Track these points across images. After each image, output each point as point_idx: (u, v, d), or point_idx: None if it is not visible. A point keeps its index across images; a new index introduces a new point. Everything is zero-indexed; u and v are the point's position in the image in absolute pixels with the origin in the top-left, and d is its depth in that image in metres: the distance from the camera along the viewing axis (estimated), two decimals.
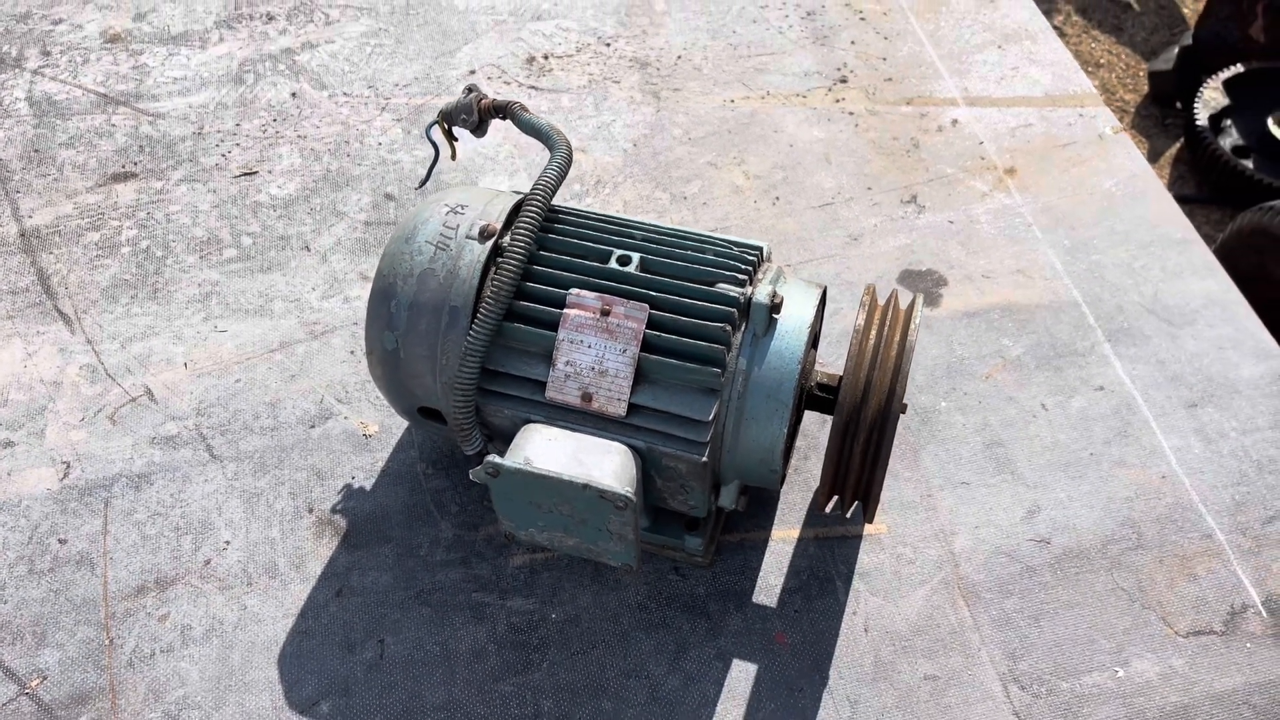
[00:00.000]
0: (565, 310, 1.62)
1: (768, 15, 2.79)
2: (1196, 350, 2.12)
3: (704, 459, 1.59)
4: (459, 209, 1.73)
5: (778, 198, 2.40)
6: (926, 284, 2.24)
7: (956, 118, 2.54)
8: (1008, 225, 2.33)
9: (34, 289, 2.30)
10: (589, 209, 1.79)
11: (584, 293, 1.62)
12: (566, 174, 1.71)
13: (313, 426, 2.07)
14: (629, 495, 1.54)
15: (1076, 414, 2.04)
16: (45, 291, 2.30)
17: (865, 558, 1.88)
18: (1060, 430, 2.02)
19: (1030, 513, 1.92)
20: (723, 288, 1.63)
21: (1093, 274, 2.24)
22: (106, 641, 1.82)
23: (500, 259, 1.63)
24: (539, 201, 1.64)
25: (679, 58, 2.71)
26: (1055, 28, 4.94)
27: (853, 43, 2.72)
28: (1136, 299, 2.20)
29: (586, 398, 1.62)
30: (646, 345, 1.61)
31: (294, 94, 2.67)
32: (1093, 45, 4.87)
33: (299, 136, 2.58)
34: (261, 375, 2.15)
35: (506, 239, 1.66)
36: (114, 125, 2.62)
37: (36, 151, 2.57)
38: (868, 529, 1.91)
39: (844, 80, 2.63)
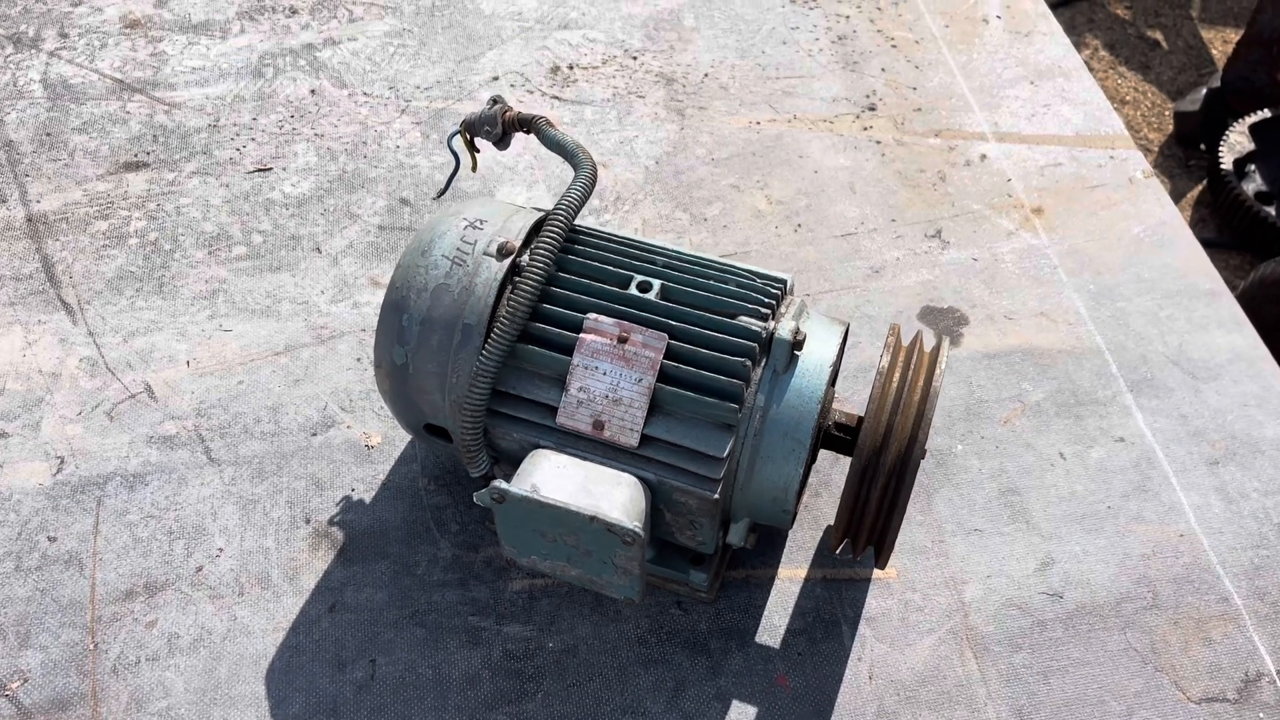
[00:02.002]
0: (581, 335, 1.57)
1: (798, 37, 2.75)
2: (1220, 406, 2.07)
3: (715, 496, 1.55)
4: (478, 224, 1.69)
5: (799, 224, 2.36)
6: (948, 322, 2.19)
7: (985, 153, 2.50)
8: (1032, 266, 2.29)
9: (38, 276, 2.26)
10: (608, 229, 1.74)
11: (602, 318, 1.58)
12: (590, 194, 1.67)
13: (314, 434, 2.02)
14: (637, 530, 1.49)
15: (1095, 465, 1.99)
16: (49, 279, 2.26)
17: (873, 602, 1.83)
18: (1078, 481, 1.97)
19: (1044, 565, 1.87)
20: (744, 320, 1.58)
21: (1117, 321, 2.20)
22: (91, 646, 1.77)
23: (518, 278, 1.59)
24: (560, 221, 1.60)
25: (706, 75, 2.66)
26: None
27: (883, 70, 2.67)
28: (1161, 349, 2.15)
29: (598, 426, 1.57)
30: (663, 376, 1.56)
31: (313, 91, 2.62)
32: (1119, 82, 4.84)
33: (316, 134, 2.53)
34: (265, 378, 2.10)
35: (525, 258, 1.62)
36: (128, 113, 2.57)
37: (49, 135, 2.52)
38: (876, 573, 1.86)
39: (872, 108, 2.59)
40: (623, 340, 1.56)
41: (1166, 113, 4.63)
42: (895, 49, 2.73)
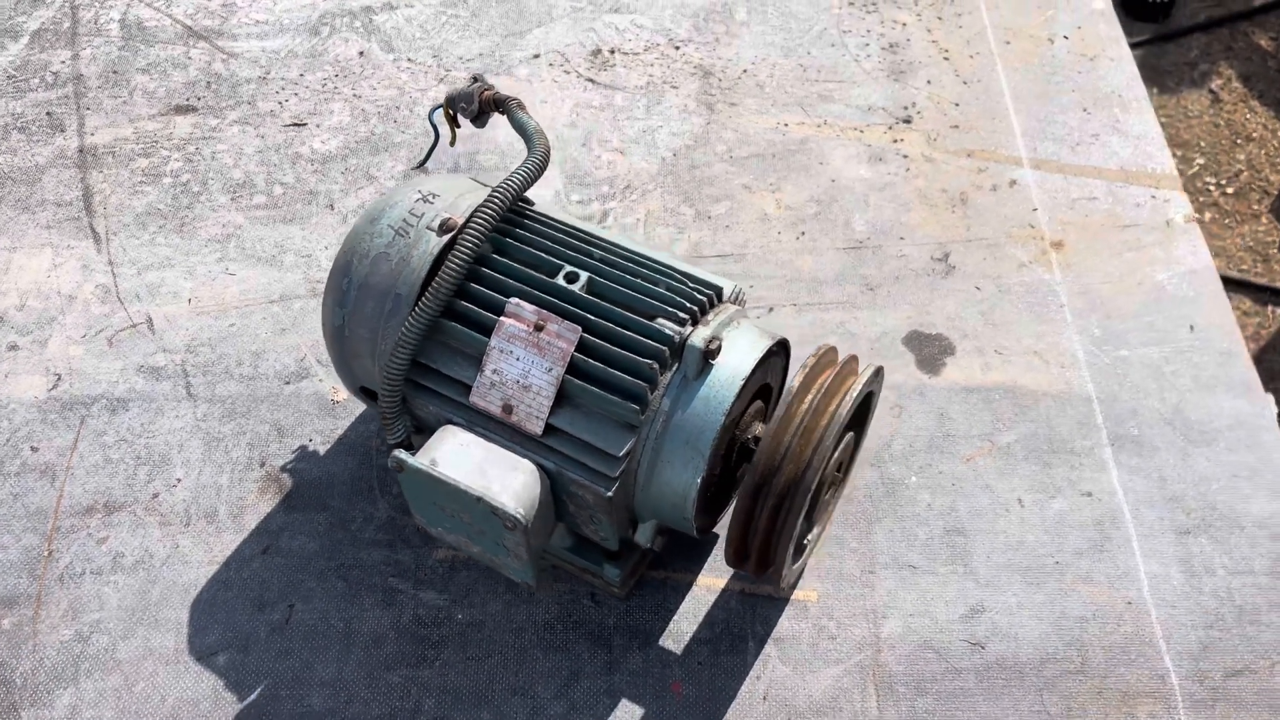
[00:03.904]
0: (501, 318, 1.59)
1: (848, 41, 2.68)
2: (1207, 473, 1.94)
3: (609, 494, 1.55)
4: (430, 197, 1.72)
5: (803, 232, 2.31)
6: (931, 350, 2.12)
7: (1016, 179, 2.39)
8: (1038, 302, 2.19)
9: (77, 204, 2.41)
10: (565, 217, 1.74)
11: (523, 303, 1.59)
12: (537, 178, 1.68)
13: (287, 383, 2.11)
14: (518, 516, 1.51)
15: (1053, 517, 1.90)
16: (86, 208, 2.40)
17: (786, 623, 1.80)
18: (1031, 530, 1.88)
19: (973, 611, 1.80)
20: (661, 323, 1.57)
21: (1115, 370, 2.08)
22: (46, 553, 1.90)
23: (449, 255, 1.61)
24: (496, 203, 1.62)
25: (744, 71, 2.63)
26: (1211, 91, 4.64)
27: (928, 82, 2.58)
28: (1156, 405, 2.03)
29: (507, 409, 1.59)
30: (573, 368, 1.57)
31: (361, 53, 2.71)
32: (1248, 116, 4.52)
33: (354, 95, 2.61)
34: (255, 323, 2.20)
35: None
36: (190, 58, 2.71)
37: (115, 73, 2.68)
38: (796, 594, 1.82)
39: (907, 120, 2.51)
40: (539, 328, 1.58)
41: None
42: (947, 61, 2.63)
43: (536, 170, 1.68)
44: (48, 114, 2.59)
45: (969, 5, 2.75)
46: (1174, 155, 3.33)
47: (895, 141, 2.47)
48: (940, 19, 2.73)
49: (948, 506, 1.92)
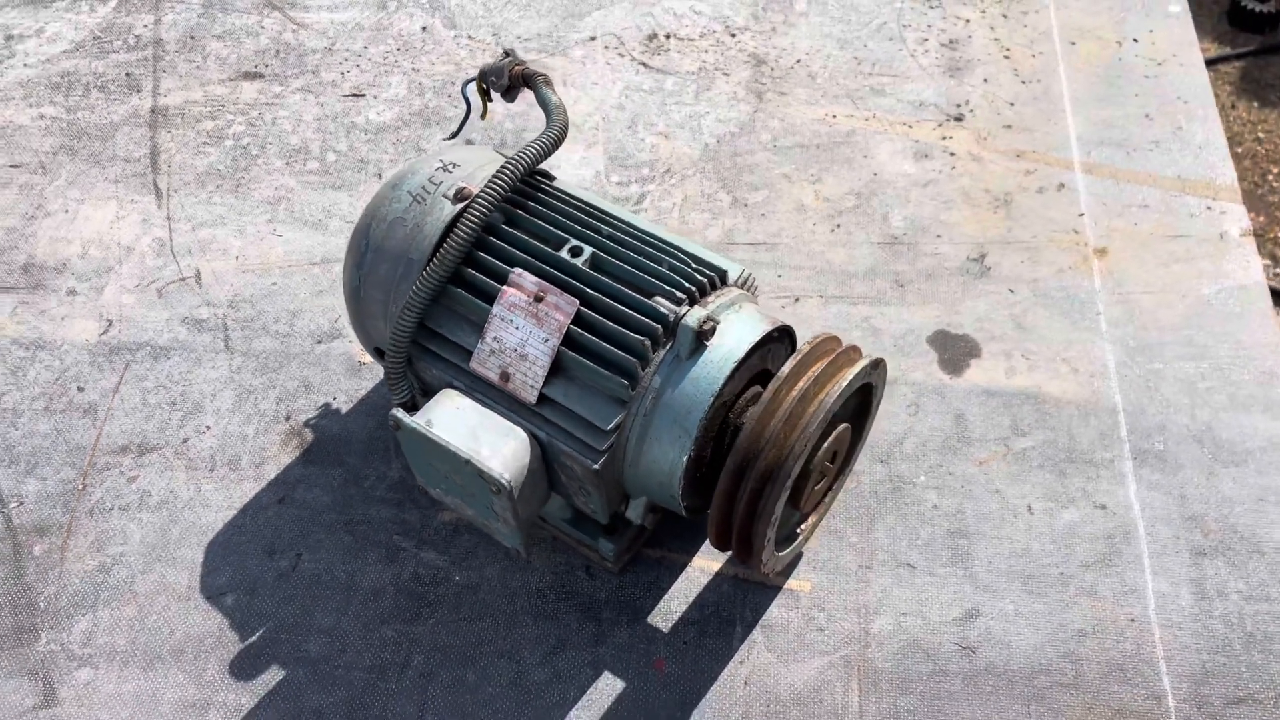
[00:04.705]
0: (504, 287, 1.62)
1: (907, 36, 2.64)
2: (1232, 495, 1.87)
3: (596, 466, 1.57)
4: (450, 167, 1.76)
5: (839, 225, 2.29)
6: (955, 350, 2.08)
7: (1065, 182, 2.33)
8: (1073, 308, 2.13)
9: (144, 161, 2.53)
10: (583, 194, 1.77)
11: (526, 274, 1.62)
12: (552, 151, 1.71)
13: (319, 342, 2.18)
14: (504, 481, 1.54)
15: (1063, 527, 1.85)
16: (152, 165, 2.52)
17: (776, 611, 1.79)
18: (1037, 539, 1.84)
19: (967, 615, 1.77)
20: (657, 301, 1.59)
21: (1146, 383, 2.01)
22: (80, 487, 2.00)
23: (457, 223, 1.65)
24: (507, 175, 1.65)
25: (798, 62, 2.61)
26: None
27: (985, 80, 2.53)
28: (1185, 422, 1.96)
29: (505, 377, 1.63)
30: (569, 340, 1.59)
31: (424, 28, 2.77)
32: None
33: (413, 69, 2.68)
34: (295, 284, 2.28)
35: None
36: (263, 27, 2.81)
37: (193, 39, 2.79)
38: (789, 583, 1.82)
39: (959, 118, 2.46)
40: (538, 299, 1.60)
41: None
42: (1007, 59, 2.57)
43: (552, 144, 1.70)
44: (126, 74, 2.71)
45: (1037, 4, 2.68)
46: (1266, 171, 3.20)
47: (944, 139, 2.43)
48: (1005, 16, 2.67)
49: (954, 508, 1.89)
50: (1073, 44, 2.60)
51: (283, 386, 2.12)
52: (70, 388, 2.14)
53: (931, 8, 2.70)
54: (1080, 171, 2.35)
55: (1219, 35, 3.63)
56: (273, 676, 1.76)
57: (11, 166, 2.52)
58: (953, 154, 2.40)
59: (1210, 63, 3.46)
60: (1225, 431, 1.95)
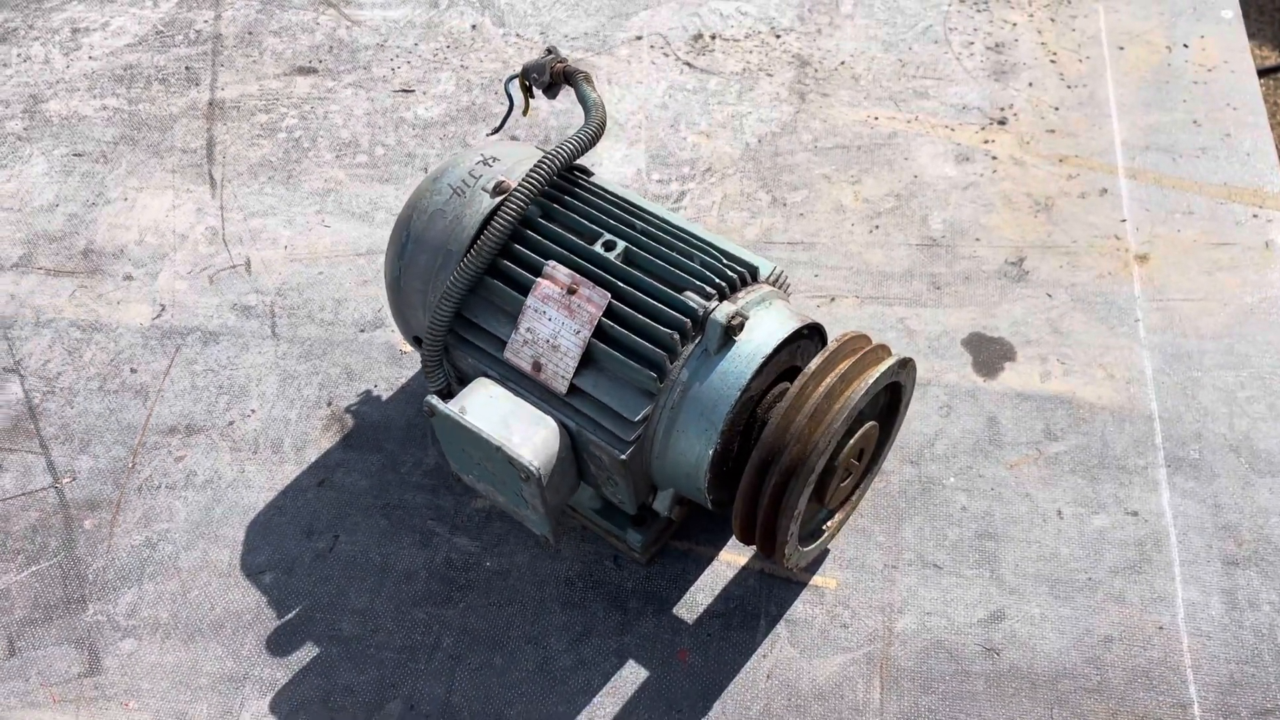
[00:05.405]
0: (538, 279, 1.66)
1: (952, 39, 2.64)
2: (1268, 505, 1.85)
3: (623, 456, 1.60)
4: (490, 161, 1.80)
5: (877, 226, 2.30)
6: (990, 353, 2.08)
7: (1108, 187, 2.31)
8: (1111, 314, 2.12)
9: (200, 152, 2.61)
10: (619, 190, 1.80)
11: (559, 267, 1.66)
12: (589, 148, 1.74)
13: (362, 330, 2.23)
14: (533, 468, 1.57)
15: (1093, 532, 1.84)
16: (207, 156, 2.60)
17: (801, 606, 1.81)
18: (1067, 544, 1.84)
19: (993, 617, 1.77)
20: (688, 296, 1.61)
21: (1184, 390, 2.00)
22: (130, 464, 2.07)
23: (494, 216, 1.69)
24: (544, 170, 1.68)
25: (842, 63, 2.62)
26: None
27: (1030, 84, 2.52)
28: (1223, 431, 1.94)
29: (537, 367, 1.66)
30: (600, 332, 1.62)
31: (474, 26, 2.82)
32: None
33: (462, 66, 2.73)
34: (341, 273, 2.33)
35: None
36: (318, 23, 2.88)
37: (250, 34, 2.87)
38: (815, 580, 1.83)
39: (1002, 122, 2.45)
40: (571, 291, 1.64)
41: None
42: (1053, 64, 2.56)
43: (589, 140, 1.73)
44: (186, 68, 2.80)
45: (1086, 8, 2.66)
46: None
47: (986, 142, 2.43)
48: (1053, 20, 2.66)
49: (983, 510, 1.89)
50: (1121, 49, 2.58)
51: (325, 373, 2.17)
52: (124, 369, 2.21)
53: (978, 11, 2.69)
54: (1124, 177, 2.33)
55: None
56: (307, 653, 1.82)
57: (75, 155, 2.61)
58: (994, 157, 2.40)
59: (1266, 72, 3.41)
60: (1263, 441, 1.93)
